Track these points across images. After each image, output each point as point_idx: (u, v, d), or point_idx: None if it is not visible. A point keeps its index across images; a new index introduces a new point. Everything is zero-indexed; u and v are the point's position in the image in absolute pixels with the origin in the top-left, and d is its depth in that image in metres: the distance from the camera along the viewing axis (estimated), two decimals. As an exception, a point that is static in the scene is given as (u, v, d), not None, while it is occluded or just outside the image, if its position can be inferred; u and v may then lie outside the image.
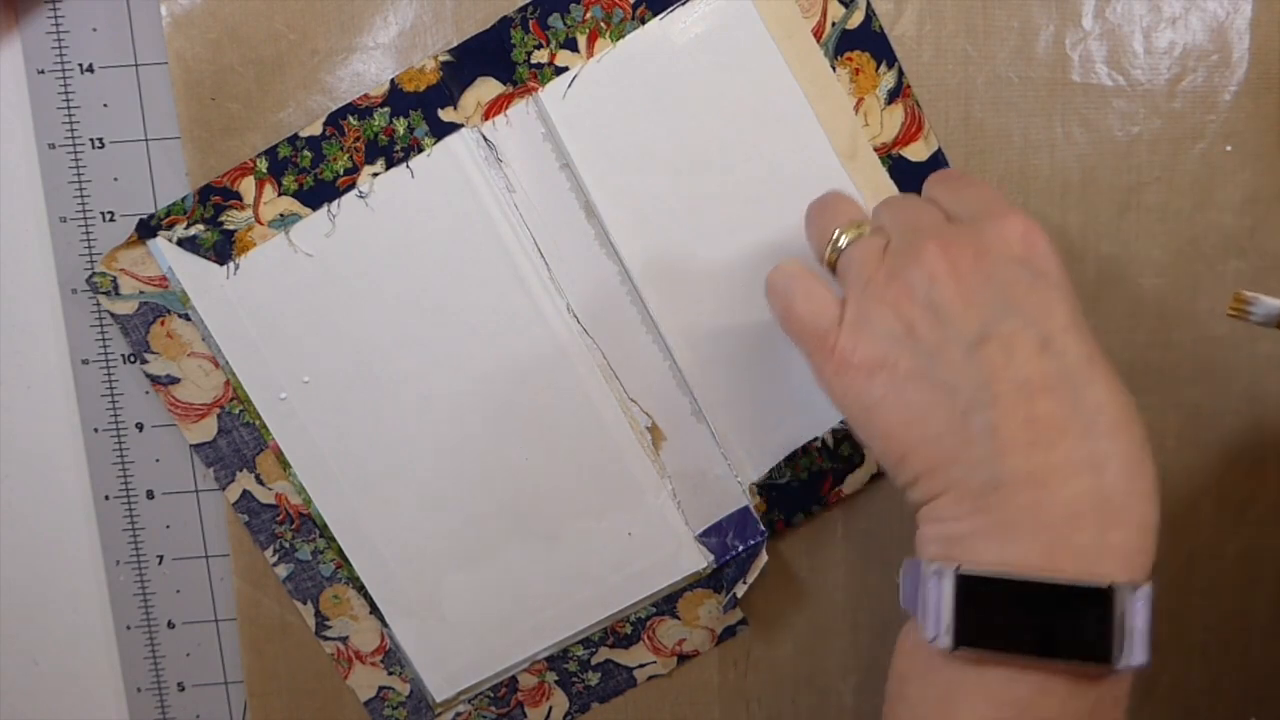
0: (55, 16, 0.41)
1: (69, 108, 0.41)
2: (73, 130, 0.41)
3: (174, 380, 0.42)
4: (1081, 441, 0.30)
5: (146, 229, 0.40)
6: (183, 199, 0.40)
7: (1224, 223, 0.42)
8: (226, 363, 0.41)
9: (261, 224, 0.40)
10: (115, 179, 0.42)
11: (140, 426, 0.43)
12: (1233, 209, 0.42)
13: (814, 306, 0.34)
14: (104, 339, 0.43)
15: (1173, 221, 0.42)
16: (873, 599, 0.45)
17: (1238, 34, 0.41)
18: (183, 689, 0.45)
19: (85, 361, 0.43)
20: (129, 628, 0.45)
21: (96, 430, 0.43)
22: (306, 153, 0.40)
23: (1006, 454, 0.30)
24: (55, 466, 0.44)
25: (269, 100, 0.40)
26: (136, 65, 0.41)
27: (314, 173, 0.40)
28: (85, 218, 0.42)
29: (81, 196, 0.42)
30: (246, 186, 0.40)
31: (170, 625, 0.45)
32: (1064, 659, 0.29)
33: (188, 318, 0.41)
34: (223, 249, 0.41)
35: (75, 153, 0.41)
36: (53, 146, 0.42)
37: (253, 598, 0.44)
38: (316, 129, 0.40)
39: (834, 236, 0.34)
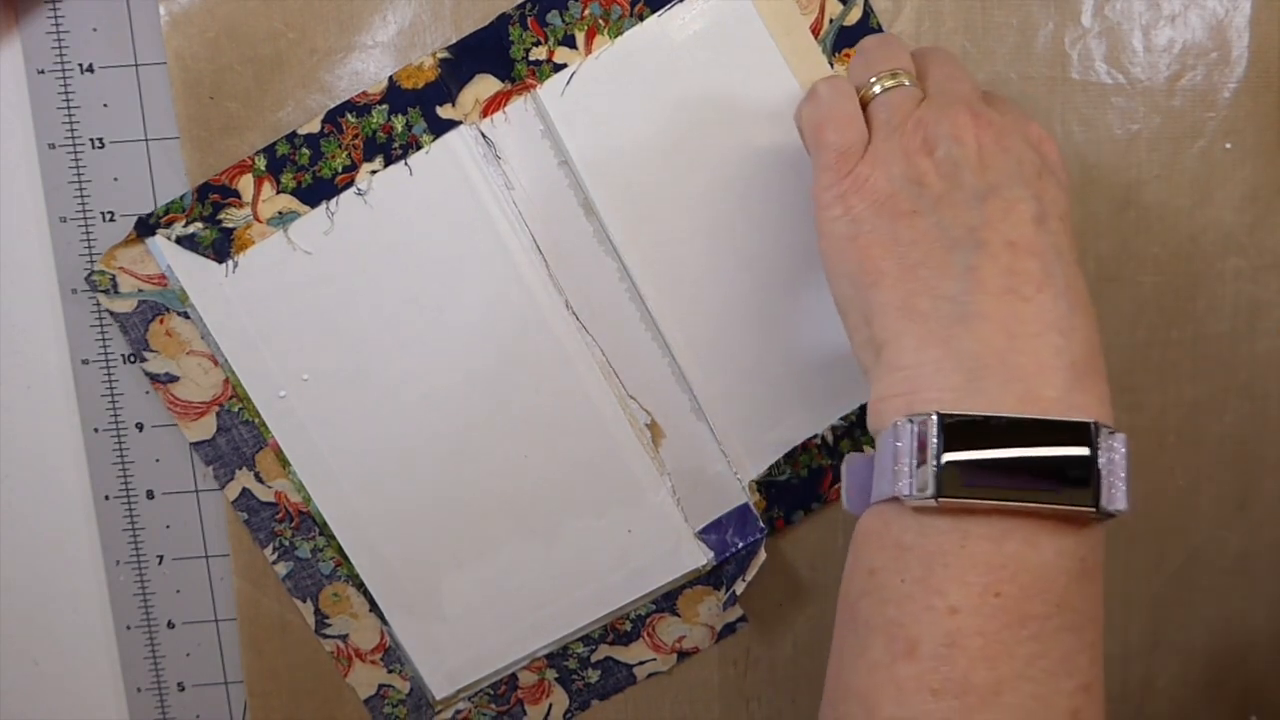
0: (55, 16, 0.41)
1: (69, 108, 0.41)
2: (73, 130, 0.41)
3: (173, 378, 0.42)
4: (1054, 303, 0.30)
5: (145, 227, 0.40)
6: (181, 197, 0.40)
7: (1223, 220, 0.42)
8: (225, 360, 0.41)
9: (260, 222, 0.40)
10: (115, 179, 0.42)
11: (140, 426, 0.43)
12: (1232, 206, 0.42)
13: (846, 126, 0.34)
14: (104, 339, 0.43)
15: (1172, 219, 0.42)
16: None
17: (1237, 32, 0.41)
18: (183, 689, 0.45)
19: (85, 361, 0.43)
20: (129, 628, 0.45)
21: (96, 430, 0.43)
22: (305, 150, 0.40)
23: (981, 292, 0.30)
24: (55, 466, 0.44)
25: (268, 99, 0.40)
26: (136, 65, 0.41)
27: (312, 170, 0.40)
28: (85, 218, 0.42)
29: (81, 196, 0.42)
30: (245, 184, 0.40)
31: (170, 625, 0.45)
32: (1050, 502, 0.29)
33: (187, 316, 0.41)
34: (221, 247, 0.41)
35: (75, 153, 0.42)
36: (53, 146, 0.42)
37: (252, 596, 0.44)
38: (315, 126, 0.40)
39: (873, 80, 0.35)
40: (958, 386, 0.30)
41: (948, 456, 0.29)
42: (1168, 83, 0.41)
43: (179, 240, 0.40)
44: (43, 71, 0.41)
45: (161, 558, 0.44)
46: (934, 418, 0.29)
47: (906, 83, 0.34)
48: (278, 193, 0.40)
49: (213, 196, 0.40)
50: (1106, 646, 0.44)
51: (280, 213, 0.40)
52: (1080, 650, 0.29)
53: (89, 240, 0.42)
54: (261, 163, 0.40)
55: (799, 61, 0.40)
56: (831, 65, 0.40)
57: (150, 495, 0.44)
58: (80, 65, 0.41)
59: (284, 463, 0.42)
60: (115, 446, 0.43)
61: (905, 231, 0.32)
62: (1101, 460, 0.29)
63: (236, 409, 0.42)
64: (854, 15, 0.40)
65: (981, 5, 0.41)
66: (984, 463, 0.29)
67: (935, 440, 0.29)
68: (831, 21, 0.40)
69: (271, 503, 0.43)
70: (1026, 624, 0.29)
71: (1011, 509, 0.29)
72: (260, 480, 0.42)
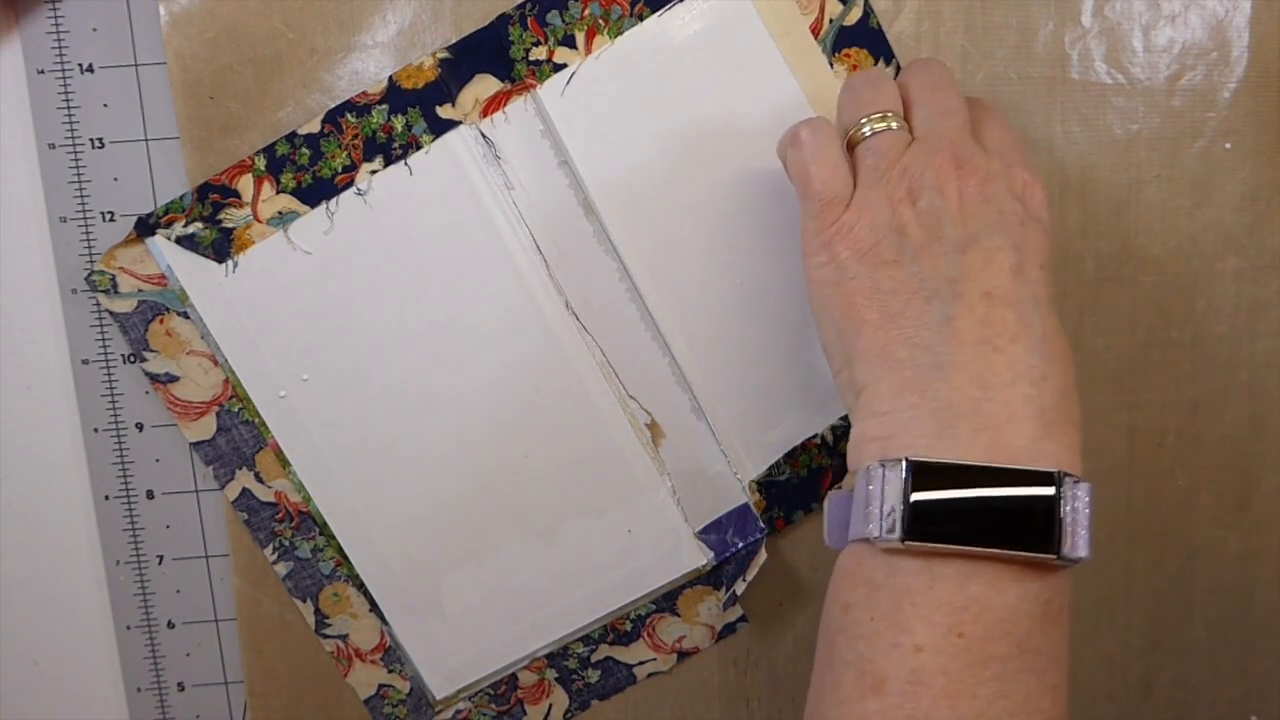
0: (55, 16, 0.41)
1: (69, 108, 0.41)
2: (73, 130, 0.41)
3: (173, 378, 0.42)
4: (1028, 354, 0.31)
5: (145, 227, 0.40)
6: (181, 197, 0.40)
7: (1223, 220, 0.42)
8: (225, 360, 0.41)
9: (260, 222, 0.40)
10: (115, 179, 0.42)
11: (140, 426, 0.43)
12: (1232, 206, 0.42)
13: (831, 177, 0.35)
14: (104, 339, 0.43)
15: (1172, 219, 0.42)
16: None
17: (1237, 31, 0.41)
18: (183, 689, 0.45)
19: (85, 361, 0.43)
20: (129, 628, 0.45)
21: (96, 430, 0.43)
22: (305, 150, 0.40)
23: (956, 342, 0.31)
24: (55, 466, 0.44)
25: (268, 99, 0.40)
26: (136, 65, 0.41)
27: (312, 170, 0.40)
28: (85, 218, 0.42)
29: (81, 196, 0.42)
30: (245, 184, 0.40)
31: (170, 625, 0.45)
32: (1013, 548, 0.30)
33: (186, 316, 0.41)
34: (221, 247, 0.41)
35: (75, 153, 0.42)
36: (53, 146, 0.42)
37: (252, 596, 0.44)
38: (315, 126, 0.40)
39: (862, 123, 0.35)
40: (931, 433, 0.31)
41: (916, 496, 0.30)
42: (1168, 83, 0.41)
43: (179, 240, 0.40)
44: (43, 71, 0.41)
45: (161, 558, 0.44)
46: (904, 463, 0.31)
47: (894, 125, 0.35)
48: (278, 193, 0.40)
49: (213, 196, 0.40)
50: (1106, 646, 0.44)
51: (280, 213, 0.40)
52: (1042, 692, 0.30)
53: (89, 240, 0.42)
54: (261, 163, 0.40)
55: (799, 61, 0.40)
56: (831, 65, 0.40)
57: (150, 495, 0.44)
58: (80, 65, 0.41)
59: (284, 463, 0.42)
60: (115, 446, 0.43)
61: (886, 281, 0.33)
62: (1065, 508, 0.30)
63: (236, 409, 0.42)
64: (854, 15, 0.40)
65: (981, 5, 0.41)
66: (950, 507, 0.30)
67: (904, 484, 0.30)
68: (831, 21, 0.40)
69: (271, 503, 0.43)
70: (989, 664, 0.30)
71: (976, 553, 0.30)
72: (260, 480, 0.42)
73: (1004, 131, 0.36)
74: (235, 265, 0.41)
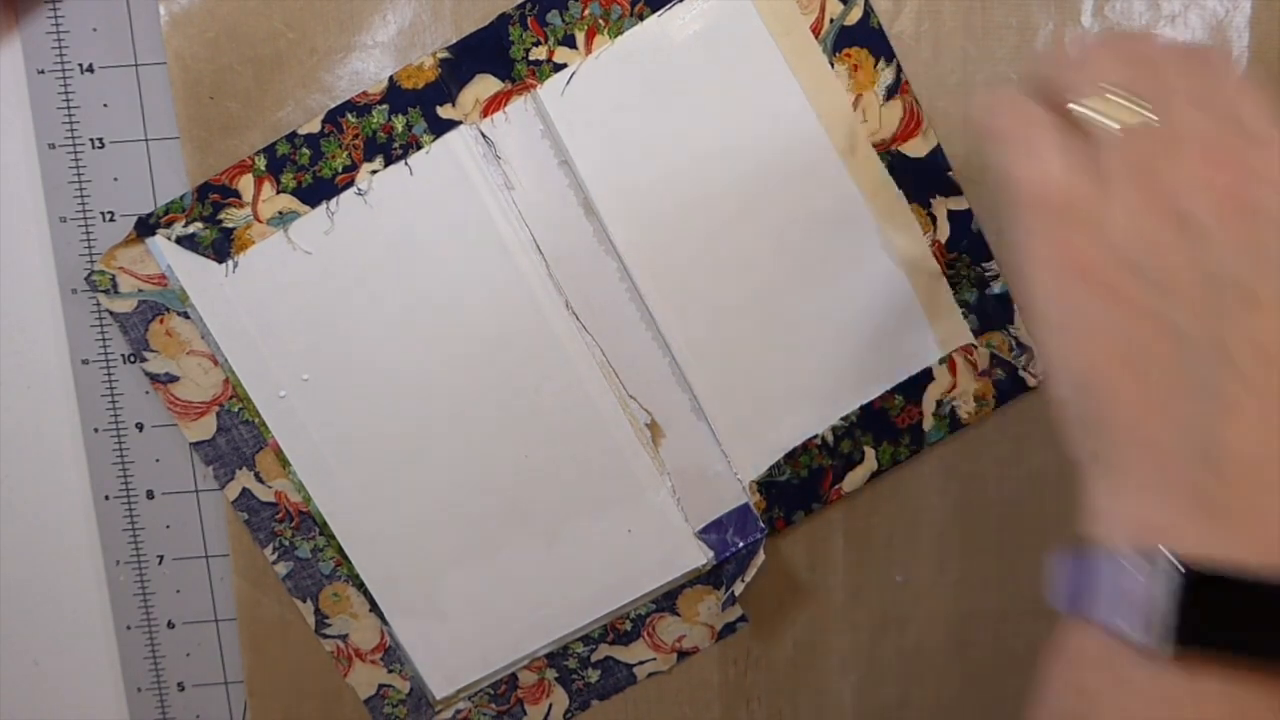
0: (55, 16, 0.41)
1: (69, 108, 0.41)
2: (73, 130, 0.41)
3: (173, 378, 0.42)
4: None
5: (145, 227, 0.40)
6: (181, 197, 0.40)
7: (1225, 219, 0.42)
8: (225, 360, 0.41)
9: (260, 222, 0.40)
10: (115, 179, 0.42)
11: (140, 426, 0.43)
12: (1234, 205, 0.42)
13: (1046, 175, 0.28)
14: (104, 339, 0.43)
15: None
16: (872, 597, 0.44)
17: (1237, 31, 0.41)
18: (183, 689, 0.45)
19: (85, 361, 0.43)
20: (129, 628, 0.45)
21: (96, 430, 0.43)
22: (305, 150, 0.40)
23: (1230, 422, 0.25)
24: (55, 466, 0.44)
25: (268, 99, 0.40)
26: (136, 65, 0.41)
27: (313, 170, 0.40)
28: (85, 218, 0.42)
29: (81, 196, 0.42)
30: (245, 184, 0.40)
31: (170, 625, 0.45)
32: None
33: (187, 316, 0.41)
34: (221, 247, 0.41)
35: (75, 153, 0.42)
36: (53, 146, 0.42)
37: (253, 596, 0.44)
38: (315, 126, 0.40)
39: (1090, 101, 0.28)
40: (1199, 524, 0.26)
41: (1186, 600, 0.25)
42: (1168, 82, 0.41)
43: (179, 240, 0.40)
44: (43, 71, 0.41)
45: (161, 558, 0.44)
46: (1170, 560, 0.25)
47: (1151, 115, 0.27)
48: (278, 193, 0.40)
49: (213, 196, 0.40)
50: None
51: (280, 213, 0.40)
52: None
53: (89, 240, 0.42)
54: (261, 163, 0.40)
55: (799, 61, 0.40)
56: (832, 65, 0.40)
57: (150, 495, 0.44)
58: (80, 65, 0.41)
59: (284, 463, 0.42)
60: (115, 446, 0.43)
61: (1138, 332, 0.26)
62: None
63: (236, 409, 0.42)
64: (854, 15, 0.40)
65: (981, 5, 0.41)
66: (1224, 615, 0.25)
67: (1169, 586, 0.25)
68: (832, 21, 0.40)
69: (271, 503, 0.43)
70: None
71: (1254, 674, 0.25)
72: (260, 480, 0.42)
73: (1251, 97, 0.28)
74: (235, 265, 0.41)
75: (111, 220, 0.42)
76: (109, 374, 0.43)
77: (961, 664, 0.45)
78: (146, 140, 0.41)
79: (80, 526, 0.44)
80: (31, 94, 0.41)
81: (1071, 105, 0.28)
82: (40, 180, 0.42)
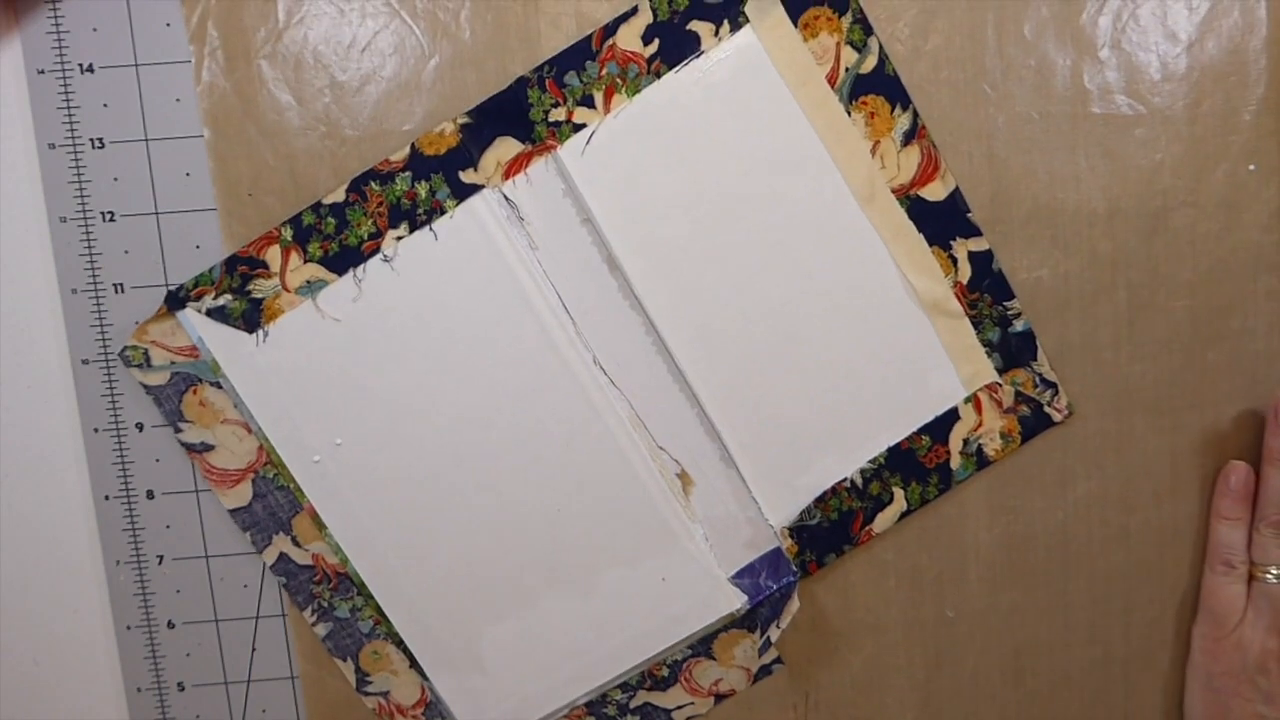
0: (55, 16, 0.41)
1: (69, 108, 0.41)
2: (73, 130, 0.41)
3: (209, 447, 0.42)
4: None
5: (175, 300, 0.41)
6: (210, 270, 0.41)
7: (1252, 240, 0.42)
8: (259, 428, 0.42)
9: (288, 291, 0.41)
10: (115, 179, 0.41)
11: (140, 426, 0.43)
12: (1260, 226, 0.42)
13: (1227, 609, 0.40)
14: (104, 339, 0.42)
15: (1201, 243, 0.42)
16: (926, 633, 0.45)
17: (1254, 54, 0.41)
18: (183, 689, 0.45)
19: (85, 361, 0.43)
20: (129, 628, 0.45)
21: (96, 430, 0.43)
22: (330, 219, 0.40)
23: None
24: (55, 466, 0.44)
25: (303, 193, 0.41)
26: (136, 65, 0.41)
27: (339, 239, 0.41)
28: (85, 218, 0.42)
29: (81, 196, 0.42)
30: (272, 255, 0.41)
31: (170, 625, 0.45)
32: None
33: (219, 385, 0.42)
34: (251, 317, 0.41)
35: (75, 153, 0.41)
36: (53, 146, 0.41)
37: (317, 678, 0.44)
38: (340, 195, 0.40)
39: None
40: None
41: None
42: (1187, 109, 0.41)
43: (209, 312, 0.41)
44: (43, 71, 0.41)
45: (161, 558, 0.44)
46: None
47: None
48: (305, 262, 0.41)
49: (241, 268, 0.41)
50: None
51: (308, 281, 0.41)
52: None
53: (89, 241, 0.42)
54: (288, 233, 0.40)
55: (816, 111, 0.40)
56: (849, 113, 0.40)
57: (150, 495, 0.44)
58: (80, 65, 0.41)
59: (320, 525, 0.43)
60: (115, 446, 0.43)
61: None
62: None
63: (272, 475, 0.42)
64: (869, 63, 0.40)
65: (998, 47, 0.41)
66: None
67: None
68: (847, 70, 0.40)
69: (309, 565, 0.43)
70: None
71: None
72: (297, 544, 0.43)
73: None
74: (266, 335, 0.41)
75: (111, 220, 0.42)
76: (109, 374, 0.43)
77: (1018, 694, 0.45)
78: (146, 140, 0.41)
79: (80, 526, 0.44)
80: (31, 94, 0.41)
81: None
82: (40, 180, 0.42)
